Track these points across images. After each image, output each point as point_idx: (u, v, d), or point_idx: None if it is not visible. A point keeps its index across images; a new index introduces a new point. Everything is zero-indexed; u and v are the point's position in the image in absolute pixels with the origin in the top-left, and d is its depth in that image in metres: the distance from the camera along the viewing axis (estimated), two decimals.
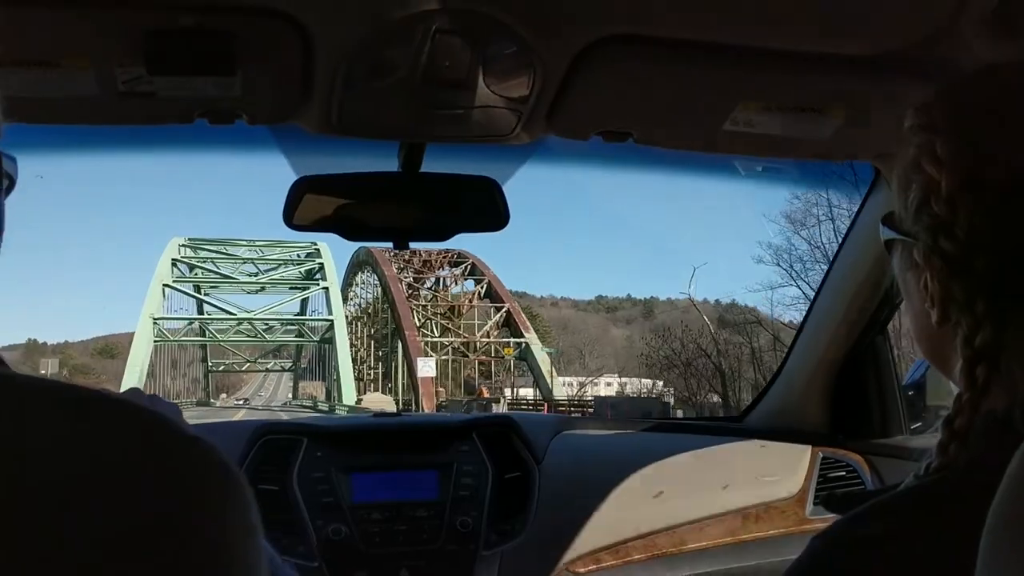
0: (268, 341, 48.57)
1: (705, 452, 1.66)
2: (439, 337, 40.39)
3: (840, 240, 1.69)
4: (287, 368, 62.65)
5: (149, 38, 0.93)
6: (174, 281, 40.53)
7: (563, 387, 36.36)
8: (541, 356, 36.19)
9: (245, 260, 45.74)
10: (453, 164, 1.28)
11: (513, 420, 1.59)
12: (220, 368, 58.60)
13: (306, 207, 1.23)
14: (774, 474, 1.64)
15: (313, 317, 43.53)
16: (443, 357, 38.46)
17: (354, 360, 41.05)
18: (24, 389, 0.37)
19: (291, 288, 44.60)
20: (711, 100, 1.13)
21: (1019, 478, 0.40)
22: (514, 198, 1.30)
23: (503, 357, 38.61)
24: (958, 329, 0.56)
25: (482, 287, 40.61)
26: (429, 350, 37.34)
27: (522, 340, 37.28)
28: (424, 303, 41.60)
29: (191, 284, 42.44)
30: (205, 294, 43.12)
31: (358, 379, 40.69)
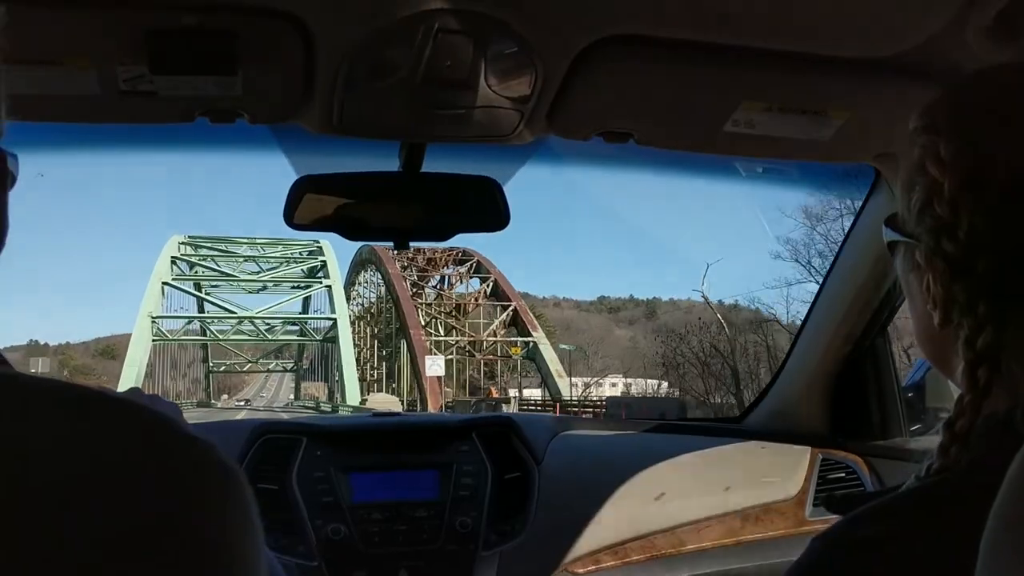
0: (270, 340, 48.40)
1: (704, 453, 1.66)
2: (444, 336, 40.26)
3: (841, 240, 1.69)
4: (289, 368, 62.59)
5: (151, 37, 0.93)
6: (173, 279, 40.37)
7: (569, 387, 36.17)
8: (550, 355, 35.92)
9: (246, 258, 45.65)
10: (454, 164, 1.28)
11: (513, 420, 1.59)
12: (221, 368, 58.60)
13: (306, 206, 1.23)
14: (773, 475, 1.64)
15: (316, 316, 43.49)
16: (447, 357, 38.34)
17: (357, 360, 40.93)
18: (26, 389, 0.37)
19: (293, 286, 44.54)
20: (712, 101, 1.13)
21: (1019, 480, 0.40)
22: (515, 198, 1.30)
23: (510, 356, 38.44)
24: (960, 331, 0.56)
25: (488, 285, 40.42)
26: (435, 349, 37.20)
27: (530, 339, 37.08)
28: (429, 302, 41.41)
29: (191, 282, 42.32)
30: (206, 293, 43.01)
31: (361, 379, 40.54)
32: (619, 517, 1.51)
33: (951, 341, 0.57)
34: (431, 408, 29.35)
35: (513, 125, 1.15)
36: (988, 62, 0.91)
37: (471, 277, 41.71)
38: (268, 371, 67.09)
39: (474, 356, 40.13)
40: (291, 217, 1.23)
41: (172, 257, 40.85)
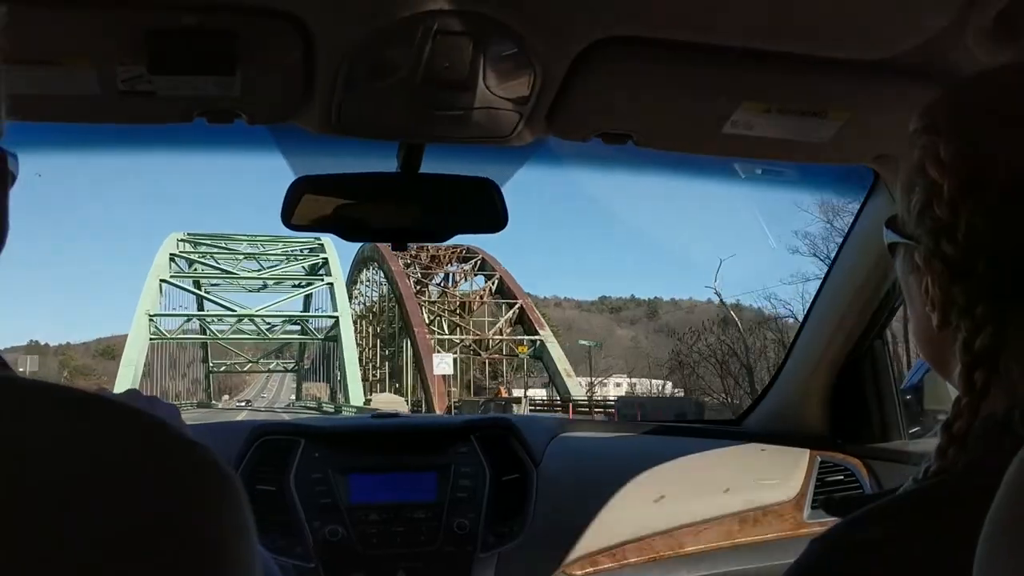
0: (270, 339, 48.13)
1: (703, 455, 1.66)
2: (449, 335, 39.96)
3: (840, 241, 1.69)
4: (290, 368, 62.27)
5: (150, 37, 0.93)
6: (172, 277, 39.92)
7: (577, 386, 35.89)
8: (557, 354, 35.51)
9: (246, 255, 45.20)
10: (452, 165, 1.28)
11: (511, 422, 1.59)
12: (221, 368, 58.31)
13: (305, 207, 1.23)
14: (772, 477, 1.64)
15: (317, 314, 43.20)
16: (452, 356, 38.11)
17: (360, 359, 40.57)
18: (25, 390, 0.37)
19: (294, 284, 44.18)
20: (711, 102, 1.13)
21: (1017, 484, 0.40)
22: (515, 199, 1.30)
23: (517, 355, 38.16)
24: (958, 333, 0.56)
25: (493, 283, 40.01)
26: (439, 348, 36.93)
27: (537, 338, 36.73)
28: (433, 299, 40.99)
29: (190, 280, 41.85)
30: (205, 291, 42.70)
31: (364, 379, 40.20)
32: (618, 519, 1.50)
33: (949, 343, 0.57)
34: (437, 409, 28.95)
35: (512, 126, 1.15)
36: (988, 63, 0.91)
37: (476, 275, 41.26)
38: (269, 371, 66.82)
39: (479, 355, 39.78)
40: (289, 217, 1.23)
41: (171, 254, 40.33)
